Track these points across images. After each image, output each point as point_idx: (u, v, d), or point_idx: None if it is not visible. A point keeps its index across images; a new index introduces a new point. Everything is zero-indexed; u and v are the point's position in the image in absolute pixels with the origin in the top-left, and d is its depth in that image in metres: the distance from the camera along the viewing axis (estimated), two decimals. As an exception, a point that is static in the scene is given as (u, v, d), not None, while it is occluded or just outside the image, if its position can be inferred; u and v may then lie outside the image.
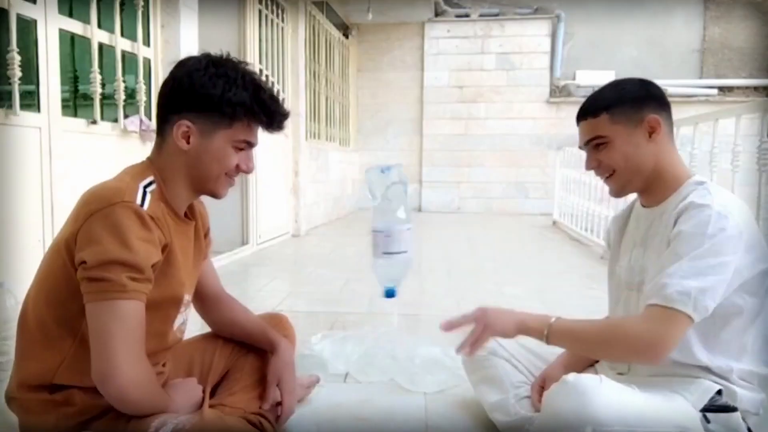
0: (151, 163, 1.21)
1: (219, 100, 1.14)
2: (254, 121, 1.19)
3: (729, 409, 1.13)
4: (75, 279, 1.06)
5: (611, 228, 1.46)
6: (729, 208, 1.10)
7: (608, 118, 1.22)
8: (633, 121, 1.21)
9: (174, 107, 1.17)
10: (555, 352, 1.52)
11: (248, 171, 1.25)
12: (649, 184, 1.25)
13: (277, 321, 1.65)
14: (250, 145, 1.23)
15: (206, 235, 1.40)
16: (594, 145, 1.26)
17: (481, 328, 1.27)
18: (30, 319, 1.14)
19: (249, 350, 1.49)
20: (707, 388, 1.14)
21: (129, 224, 1.04)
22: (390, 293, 1.60)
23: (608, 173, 1.26)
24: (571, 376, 1.12)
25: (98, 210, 1.05)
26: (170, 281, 1.18)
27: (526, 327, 1.23)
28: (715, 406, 1.13)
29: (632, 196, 1.36)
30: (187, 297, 1.29)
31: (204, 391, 1.31)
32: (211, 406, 1.26)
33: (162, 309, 1.19)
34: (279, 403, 1.39)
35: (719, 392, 1.14)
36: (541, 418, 1.16)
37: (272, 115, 1.21)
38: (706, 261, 1.06)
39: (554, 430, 1.09)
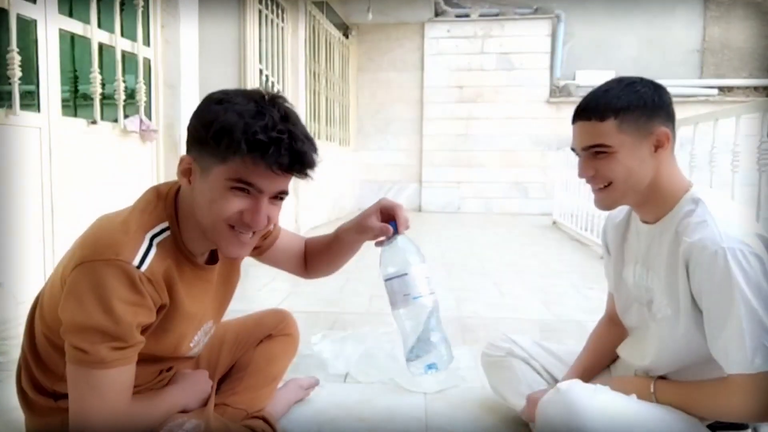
0: (178, 197, 1.07)
1: (209, 129, 0.95)
2: (248, 157, 0.94)
3: (738, 426, 1.12)
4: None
5: (609, 231, 1.37)
6: (737, 236, 1.01)
7: (616, 125, 1.08)
8: (642, 131, 1.09)
9: (187, 143, 1.03)
10: (572, 351, 1.51)
11: (253, 225, 1.00)
12: (645, 200, 1.15)
13: (281, 318, 1.64)
14: (254, 187, 0.98)
15: (238, 272, 1.30)
16: (593, 152, 1.12)
17: None
18: (36, 334, 1.11)
19: (254, 347, 1.49)
20: None
21: (116, 286, 0.93)
22: (432, 366, 1.16)
23: (603, 184, 1.14)
24: (564, 385, 1.11)
25: (89, 261, 0.95)
26: (170, 335, 1.09)
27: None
28: (725, 422, 1.11)
29: None
30: (210, 325, 1.23)
31: (212, 387, 1.31)
32: (215, 405, 1.26)
33: (162, 362, 1.15)
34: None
35: None
36: (536, 426, 1.16)
37: (263, 147, 0.93)
38: (758, 313, 0.98)
39: None
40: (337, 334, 2.21)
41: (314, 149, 1.01)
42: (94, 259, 0.94)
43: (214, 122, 0.95)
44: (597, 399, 1.06)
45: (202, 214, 1.01)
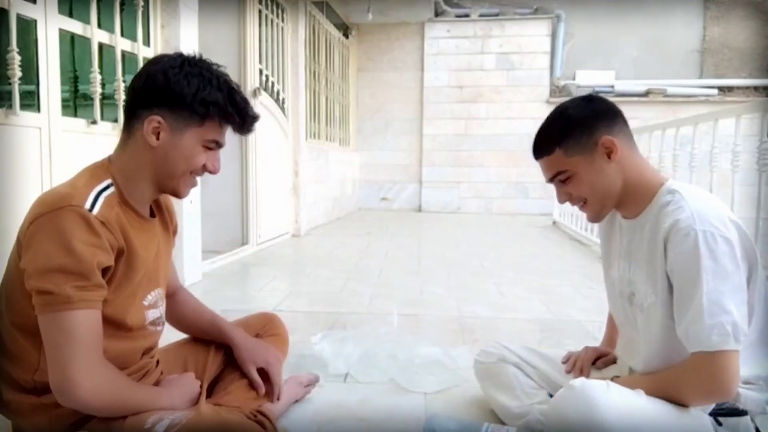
0: (111, 164, 1.19)
1: (192, 98, 1.13)
2: (225, 122, 1.19)
3: (738, 412, 1.13)
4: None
5: (599, 232, 1.45)
6: (710, 220, 1.08)
7: (563, 152, 1.21)
8: (587, 147, 1.20)
9: (145, 102, 1.15)
10: (564, 355, 1.55)
11: (214, 171, 1.23)
12: (623, 200, 1.24)
13: (268, 320, 1.65)
14: (219, 145, 1.22)
15: (174, 231, 1.39)
16: (559, 180, 1.25)
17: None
18: (4, 330, 1.13)
19: None
20: None
21: (73, 228, 1.02)
22: None
23: (581, 203, 1.26)
24: (579, 382, 1.11)
25: (42, 214, 1.03)
26: (130, 282, 1.16)
27: None
28: (725, 410, 1.13)
29: None
30: (160, 291, 1.28)
31: (201, 386, 1.31)
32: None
33: (128, 308, 1.18)
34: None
35: None
36: (550, 423, 1.16)
37: (244, 117, 1.21)
38: (720, 291, 1.05)
39: None
40: (337, 334, 2.21)
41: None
42: (47, 211, 1.04)
43: (199, 93, 1.13)
44: (611, 394, 1.08)
45: (171, 166, 1.17)
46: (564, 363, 1.52)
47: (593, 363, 1.50)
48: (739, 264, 1.07)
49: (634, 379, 1.21)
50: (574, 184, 1.23)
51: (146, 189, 1.20)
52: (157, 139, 1.15)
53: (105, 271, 1.07)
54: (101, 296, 1.05)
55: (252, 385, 1.43)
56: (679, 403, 1.11)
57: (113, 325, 1.11)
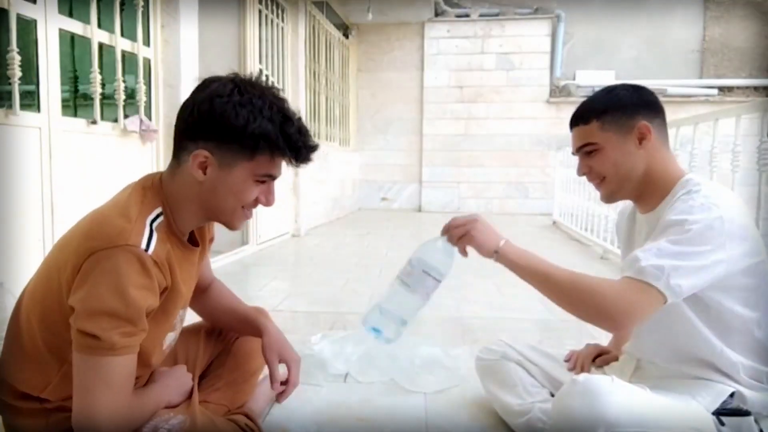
0: (162, 186, 1.13)
1: (241, 132, 1.05)
2: (278, 155, 1.10)
3: (742, 412, 1.13)
4: (69, 314, 1.01)
5: (619, 224, 1.46)
6: (715, 199, 1.10)
7: (599, 125, 1.23)
8: (624, 128, 1.22)
9: (191, 135, 1.09)
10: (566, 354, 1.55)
11: (268, 205, 1.16)
12: (641, 191, 1.25)
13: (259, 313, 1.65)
14: (272, 178, 1.14)
15: (211, 240, 1.36)
16: (585, 152, 1.26)
17: (463, 231, 1.29)
18: (22, 332, 1.11)
19: (231, 343, 1.50)
20: (720, 391, 1.13)
21: (129, 272, 0.98)
22: (379, 334, 1.36)
23: (599, 179, 1.27)
24: (583, 377, 1.12)
25: (99, 250, 0.99)
26: (168, 317, 1.14)
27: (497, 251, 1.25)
28: (728, 410, 1.12)
29: None
30: (182, 312, 1.26)
31: (193, 379, 1.31)
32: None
33: (158, 341, 1.17)
34: (285, 381, 1.36)
35: (731, 395, 1.13)
36: (554, 419, 1.16)
37: (298, 150, 1.11)
38: (683, 246, 1.06)
39: (567, 431, 1.09)
40: (337, 334, 2.21)
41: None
42: (105, 247, 0.99)
43: (248, 126, 1.05)
44: (615, 388, 1.08)
45: (219, 201, 1.11)
46: (566, 361, 1.52)
47: (593, 360, 1.50)
48: (723, 248, 1.06)
49: (539, 258, 1.19)
50: (599, 159, 1.24)
51: (194, 219, 1.16)
52: (204, 173, 1.08)
53: (149, 312, 1.05)
54: (142, 338, 1.04)
55: (244, 381, 1.43)
56: (572, 308, 1.12)
57: (139, 359, 1.08)
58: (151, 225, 1.05)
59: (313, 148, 1.15)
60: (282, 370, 1.51)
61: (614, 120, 1.22)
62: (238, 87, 1.08)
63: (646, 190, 1.24)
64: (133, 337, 1.01)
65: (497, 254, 1.23)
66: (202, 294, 1.44)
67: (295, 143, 1.10)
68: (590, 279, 1.12)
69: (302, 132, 1.11)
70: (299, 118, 1.13)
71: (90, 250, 1.00)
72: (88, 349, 0.98)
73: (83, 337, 0.98)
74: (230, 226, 1.17)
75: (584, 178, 1.31)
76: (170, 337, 1.24)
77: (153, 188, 1.13)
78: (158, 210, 1.09)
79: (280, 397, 1.35)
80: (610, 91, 1.26)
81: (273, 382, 1.33)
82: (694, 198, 1.10)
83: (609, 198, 1.29)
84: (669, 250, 1.06)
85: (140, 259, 1.00)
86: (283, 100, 1.13)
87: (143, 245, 1.01)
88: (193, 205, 1.13)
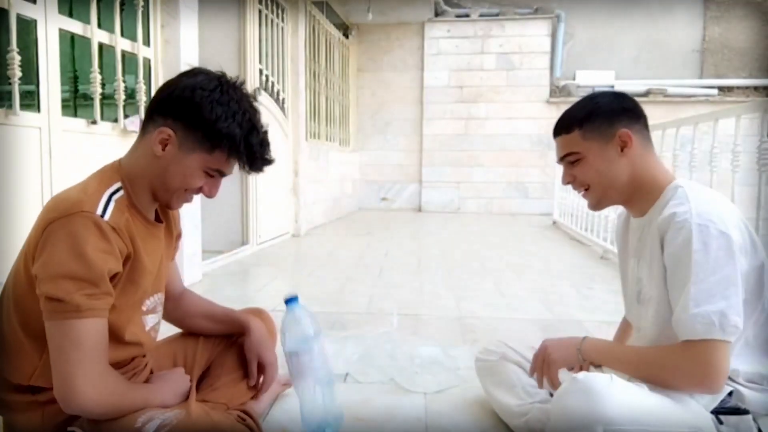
0: (121, 166, 1.19)
1: (210, 125, 1.12)
2: (234, 158, 1.17)
3: (740, 411, 1.13)
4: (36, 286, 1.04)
5: (617, 227, 1.47)
6: (708, 215, 1.09)
7: (581, 134, 1.24)
8: (605, 136, 1.23)
9: (164, 110, 1.15)
10: None
11: (210, 196, 1.22)
12: (629, 197, 1.26)
13: (256, 314, 1.66)
14: (222, 174, 1.20)
15: (178, 237, 1.39)
16: (569, 161, 1.28)
17: (544, 366, 1.30)
18: (3, 324, 1.13)
19: (229, 344, 1.51)
20: None
21: (85, 234, 1.02)
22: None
23: (584, 188, 1.28)
24: (582, 375, 1.12)
25: (56, 219, 1.03)
26: (136, 288, 1.16)
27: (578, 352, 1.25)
28: (726, 408, 1.13)
29: None
30: (160, 296, 1.29)
31: (190, 381, 1.31)
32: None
33: (131, 315, 1.18)
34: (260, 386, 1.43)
35: (729, 394, 1.13)
36: (553, 417, 1.16)
37: (254, 161, 1.18)
38: (708, 282, 1.05)
39: (566, 429, 1.09)
40: (337, 334, 2.21)
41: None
42: (61, 216, 1.04)
43: (218, 123, 1.12)
44: (614, 387, 1.08)
45: (167, 179, 1.16)
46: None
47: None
48: (736, 259, 1.07)
49: (618, 348, 1.22)
50: (582, 168, 1.26)
51: (145, 192, 1.19)
52: (163, 150, 1.14)
53: (113, 277, 1.07)
54: (109, 304, 1.06)
55: (242, 380, 1.45)
56: (662, 385, 1.11)
57: (111, 334, 1.11)
58: (109, 197, 1.10)
59: (269, 161, 1.22)
60: (285, 376, 1.52)
61: (595, 128, 1.23)
62: (221, 86, 1.15)
63: (635, 195, 1.25)
64: (98, 300, 1.03)
65: (583, 360, 1.24)
66: (176, 303, 1.45)
67: (253, 153, 1.17)
68: (662, 358, 1.12)
69: (263, 144, 1.19)
70: (265, 131, 1.21)
71: (48, 221, 1.04)
72: (54, 314, 1.01)
73: (48, 303, 1.01)
74: (169, 205, 1.22)
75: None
76: (151, 319, 1.26)
77: (111, 168, 1.19)
78: (117, 185, 1.14)
79: (255, 395, 1.42)
80: (590, 99, 1.28)
81: (250, 380, 1.40)
82: (688, 223, 1.09)
83: (595, 206, 1.31)
84: (701, 295, 1.05)
85: (96, 223, 1.04)
86: (256, 111, 1.19)
87: (99, 212, 1.06)
88: (144, 180, 1.17)
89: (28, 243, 1.10)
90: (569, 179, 1.30)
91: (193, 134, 1.13)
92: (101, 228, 1.04)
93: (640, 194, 1.24)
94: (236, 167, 1.21)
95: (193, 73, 1.17)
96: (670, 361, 1.10)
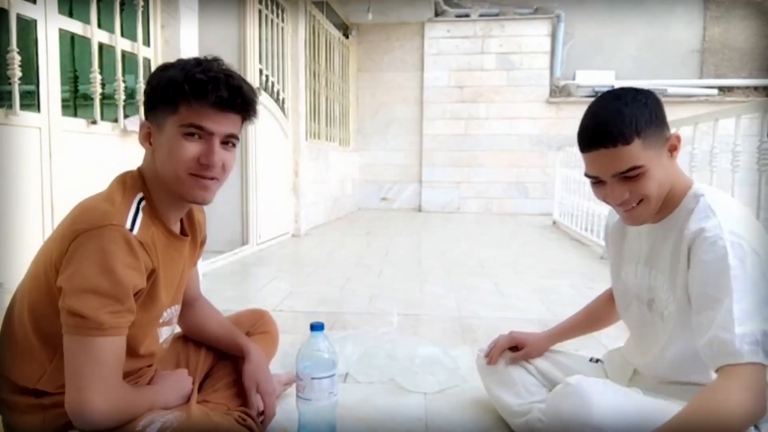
0: (140, 175, 1.16)
1: (156, 88, 1.09)
2: (193, 101, 1.06)
3: None
4: (58, 299, 1.02)
5: (610, 230, 1.40)
6: (739, 232, 1.02)
7: (642, 144, 1.05)
8: (660, 141, 1.09)
9: (145, 114, 1.14)
10: (567, 354, 1.57)
11: (209, 164, 1.09)
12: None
13: (259, 317, 1.66)
14: (204, 130, 1.08)
15: (202, 243, 1.36)
16: (628, 176, 1.08)
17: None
18: (15, 327, 1.12)
19: None
20: None
21: (115, 249, 1.00)
22: None
23: (636, 202, 1.11)
24: (574, 379, 1.12)
25: (84, 231, 1.01)
26: (155, 304, 1.15)
27: None
28: None
29: None
30: (177, 307, 1.27)
31: (194, 383, 1.31)
32: (196, 402, 1.26)
33: (148, 330, 1.18)
34: (261, 412, 1.39)
35: None
36: (547, 419, 1.16)
37: (205, 91, 1.05)
38: (749, 301, 0.97)
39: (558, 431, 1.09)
40: (337, 334, 2.21)
41: (251, 88, 1.14)
42: (90, 228, 1.01)
43: (161, 79, 1.09)
44: (608, 392, 1.08)
45: (165, 169, 1.10)
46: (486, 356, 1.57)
47: (512, 350, 1.54)
48: (766, 276, 1.00)
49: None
50: (643, 182, 1.07)
51: (167, 201, 1.15)
52: (150, 144, 1.12)
53: (136, 293, 1.06)
54: (130, 321, 1.04)
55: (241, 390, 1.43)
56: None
57: (127, 348, 1.09)
58: (136, 209, 1.08)
59: (235, 89, 1.08)
60: (286, 376, 1.50)
61: (654, 134, 1.07)
62: (180, 60, 1.12)
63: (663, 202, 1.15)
64: (121, 318, 1.01)
65: None
66: (188, 311, 1.44)
67: (204, 84, 1.05)
68: (708, 403, 0.96)
69: (215, 73, 1.07)
70: (222, 65, 1.11)
71: (75, 232, 1.01)
72: (76, 329, 0.99)
73: (71, 317, 0.99)
74: (186, 196, 1.13)
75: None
76: (166, 332, 1.24)
77: (132, 177, 1.15)
78: (140, 195, 1.11)
79: (262, 423, 1.38)
80: (635, 101, 1.08)
81: (250, 409, 1.36)
82: (721, 239, 1.01)
83: (646, 220, 1.15)
84: (742, 314, 0.96)
85: (126, 238, 1.02)
86: (215, 60, 1.12)
87: (128, 225, 1.04)
88: (158, 184, 1.13)
89: (49, 249, 1.07)
90: (626, 196, 1.10)
91: (157, 109, 1.10)
92: (130, 243, 1.02)
93: (667, 199, 1.14)
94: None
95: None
96: (724, 400, 0.94)
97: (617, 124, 1.05)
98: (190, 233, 1.27)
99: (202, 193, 1.13)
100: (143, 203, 1.11)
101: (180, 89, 1.06)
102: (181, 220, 1.24)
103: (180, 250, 1.22)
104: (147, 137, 1.12)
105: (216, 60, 1.13)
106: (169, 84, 1.07)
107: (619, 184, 1.09)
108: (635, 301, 1.29)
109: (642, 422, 1.05)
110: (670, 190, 1.13)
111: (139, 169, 1.17)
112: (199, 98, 1.06)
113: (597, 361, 1.51)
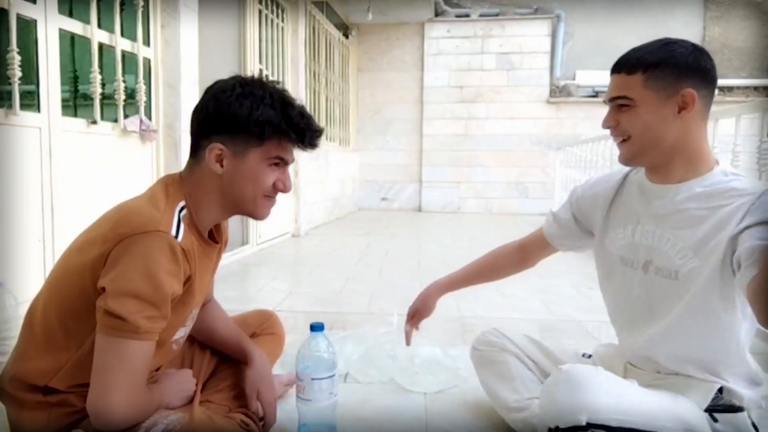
0: (183, 183, 1.18)
1: (246, 120, 1.12)
2: (284, 139, 1.16)
3: (735, 408, 1.12)
4: (92, 299, 1.03)
5: (587, 200, 1.41)
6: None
7: (642, 80, 1.10)
8: (668, 90, 1.09)
9: (204, 132, 1.16)
10: (564, 349, 1.55)
11: (285, 190, 1.21)
12: (665, 162, 1.15)
13: (266, 317, 1.66)
14: (285, 161, 1.20)
15: (225, 244, 1.38)
16: (618, 104, 1.14)
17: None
18: (37, 322, 1.13)
19: None
20: (708, 388, 1.13)
21: (159, 256, 1.02)
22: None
23: (623, 137, 1.16)
24: (567, 366, 1.12)
25: (130, 235, 1.02)
26: (186, 309, 1.17)
27: None
28: (720, 406, 1.12)
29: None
30: (196, 311, 1.28)
31: (197, 384, 1.32)
32: (199, 402, 1.27)
33: (171, 333, 1.19)
34: (261, 418, 1.39)
35: (720, 390, 1.13)
36: (541, 406, 1.16)
37: (302, 132, 1.17)
38: None
39: (552, 419, 1.08)
40: (337, 334, 2.21)
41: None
42: (136, 233, 1.02)
43: (252, 114, 1.12)
44: (599, 379, 1.08)
45: (242, 191, 1.17)
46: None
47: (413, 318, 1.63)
48: None
49: None
50: (629, 116, 1.13)
51: (214, 213, 1.20)
52: (222, 166, 1.15)
53: (172, 300, 1.08)
54: (162, 326, 1.06)
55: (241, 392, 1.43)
56: None
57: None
58: (179, 215, 1.11)
59: (318, 130, 1.21)
60: (287, 377, 1.50)
61: (660, 79, 1.09)
62: (238, 83, 1.15)
63: (673, 161, 1.14)
64: (156, 323, 1.03)
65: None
66: (201, 310, 1.43)
67: (297, 125, 1.15)
68: None
69: (304, 115, 1.18)
70: (301, 105, 1.20)
71: (120, 236, 1.03)
72: (112, 331, 1.00)
73: (109, 318, 1.00)
74: (255, 215, 1.21)
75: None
76: (180, 333, 1.25)
77: (174, 184, 1.18)
78: (182, 203, 1.14)
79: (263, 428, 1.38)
80: (666, 44, 1.12)
81: (250, 414, 1.36)
82: (755, 189, 1.05)
83: (629, 160, 1.18)
84: None
85: (171, 245, 1.04)
86: (283, 90, 1.19)
87: (173, 232, 1.06)
88: (216, 197, 1.18)
89: (85, 248, 1.07)
90: (611, 123, 1.16)
91: (239, 137, 1.14)
92: (174, 250, 1.04)
93: (678, 162, 1.13)
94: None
95: (209, 87, 1.19)
96: None
97: (631, 55, 1.13)
98: (219, 239, 1.30)
99: (268, 211, 1.23)
100: (184, 212, 1.14)
101: (280, 130, 1.14)
102: (211, 229, 1.27)
103: (211, 256, 1.25)
104: (220, 160, 1.15)
105: (286, 92, 1.21)
106: (266, 122, 1.13)
107: (612, 111, 1.17)
108: (620, 267, 1.27)
109: (637, 409, 1.05)
110: (689, 153, 1.13)
111: (180, 176, 1.20)
112: (291, 139, 1.17)
113: (590, 356, 1.50)
